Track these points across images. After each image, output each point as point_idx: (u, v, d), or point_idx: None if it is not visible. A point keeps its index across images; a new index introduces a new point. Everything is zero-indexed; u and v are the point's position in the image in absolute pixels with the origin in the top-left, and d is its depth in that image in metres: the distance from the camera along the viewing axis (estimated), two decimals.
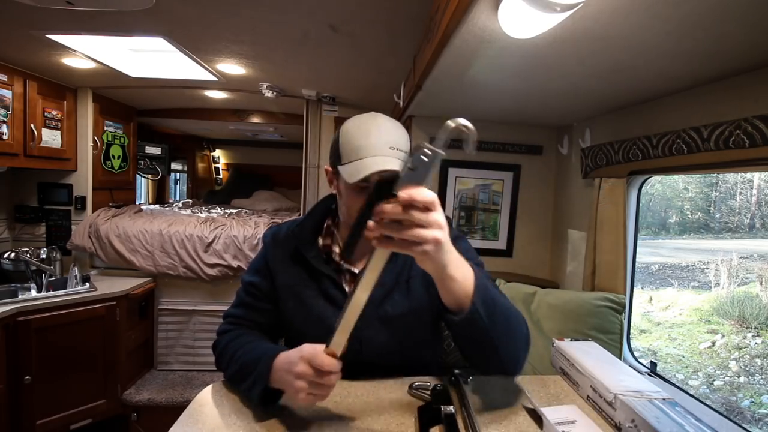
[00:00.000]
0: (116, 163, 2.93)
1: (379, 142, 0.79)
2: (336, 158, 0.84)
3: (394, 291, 0.89)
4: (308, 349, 0.66)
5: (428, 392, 0.80)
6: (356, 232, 0.61)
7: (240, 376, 0.79)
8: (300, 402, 0.67)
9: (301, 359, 0.66)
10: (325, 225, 0.95)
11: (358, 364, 0.82)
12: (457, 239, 0.89)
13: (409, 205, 0.54)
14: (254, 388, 0.74)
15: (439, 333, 1.00)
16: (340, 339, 0.63)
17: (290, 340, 0.96)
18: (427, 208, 0.55)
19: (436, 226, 0.56)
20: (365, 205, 0.59)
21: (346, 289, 0.90)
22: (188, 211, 3.16)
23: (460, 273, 0.67)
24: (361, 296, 0.60)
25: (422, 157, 0.53)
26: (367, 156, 0.78)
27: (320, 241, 0.94)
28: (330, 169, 0.89)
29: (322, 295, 0.89)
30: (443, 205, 2.10)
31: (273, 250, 0.95)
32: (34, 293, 2.18)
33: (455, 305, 0.70)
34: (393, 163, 0.77)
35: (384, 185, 0.56)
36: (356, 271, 0.91)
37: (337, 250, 0.92)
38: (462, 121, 0.54)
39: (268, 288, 0.93)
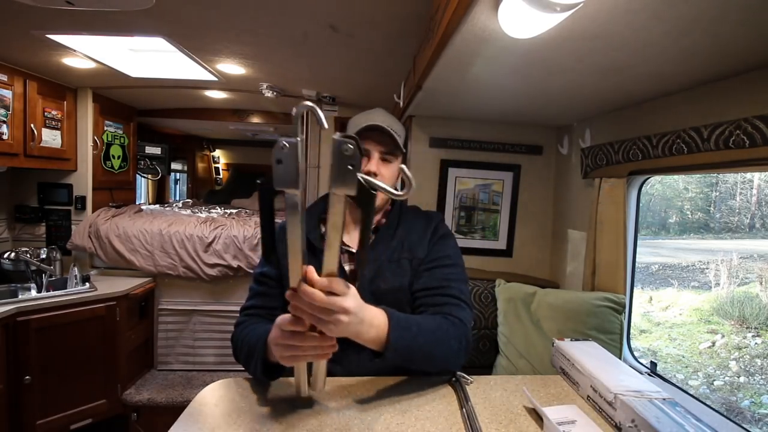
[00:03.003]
0: (116, 163, 2.93)
1: (377, 119, 0.98)
2: None
3: (385, 269, 0.99)
4: (278, 318, 0.73)
5: None
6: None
7: (247, 359, 0.88)
8: (285, 363, 0.73)
9: (274, 328, 0.74)
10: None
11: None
12: (444, 237, 1.05)
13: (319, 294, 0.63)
14: (257, 367, 0.83)
15: None
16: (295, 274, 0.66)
17: None
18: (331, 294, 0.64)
19: (340, 312, 0.65)
20: (262, 207, 0.64)
21: (345, 267, 0.99)
22: (188, 211, 3.15)
23: (374, 334, 0.77)
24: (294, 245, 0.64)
25: (281, 147, 0.57)
26: (366, 122, 0.97)
27: (322, 228, 1.03)
28: None
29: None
30: (443, 205, 2.10)
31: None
32: (34, 293, 2.18)
33: (378, 350, 0.80)
34: (386, 135, 0.96)
35: (264, 183, 0.61)
36: (353, 250, 1.01)
37: None
38: (306, 103, 0.59)
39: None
